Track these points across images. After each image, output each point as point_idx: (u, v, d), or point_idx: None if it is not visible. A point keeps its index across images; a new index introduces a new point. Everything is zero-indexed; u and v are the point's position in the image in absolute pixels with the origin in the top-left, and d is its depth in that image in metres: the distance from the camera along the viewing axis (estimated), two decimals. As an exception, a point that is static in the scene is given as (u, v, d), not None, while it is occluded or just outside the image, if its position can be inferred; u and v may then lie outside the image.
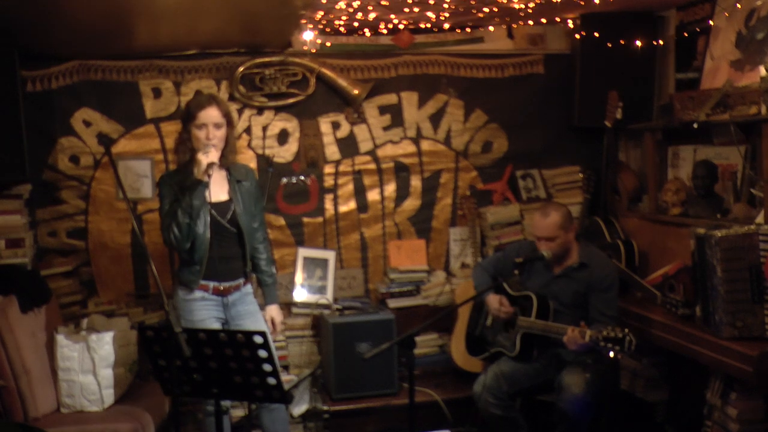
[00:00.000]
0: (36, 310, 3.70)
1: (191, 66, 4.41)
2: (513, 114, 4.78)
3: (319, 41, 4.41)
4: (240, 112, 4.48)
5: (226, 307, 3.45)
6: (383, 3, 3.77)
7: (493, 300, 3.79)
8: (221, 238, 3.38)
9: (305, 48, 4.42)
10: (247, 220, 3.45)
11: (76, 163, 4.34)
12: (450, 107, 4.72)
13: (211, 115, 3.30)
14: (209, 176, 3.25)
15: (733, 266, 3.09)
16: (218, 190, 3.38)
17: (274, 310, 3.65)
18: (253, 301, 3.56)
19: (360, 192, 4.69)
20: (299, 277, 4.56)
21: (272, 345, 3.47)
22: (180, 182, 3.33)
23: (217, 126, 3.31)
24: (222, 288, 3.41)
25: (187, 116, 3.34)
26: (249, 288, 3.55)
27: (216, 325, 3.38)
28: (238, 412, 4.20)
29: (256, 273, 3.60)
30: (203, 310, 3.37)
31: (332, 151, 4.63)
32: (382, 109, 4.66)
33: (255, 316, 3.52)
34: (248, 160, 4.48)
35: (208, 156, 3.24)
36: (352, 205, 4.69)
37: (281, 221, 4.59)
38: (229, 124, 3.39)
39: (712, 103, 3.57)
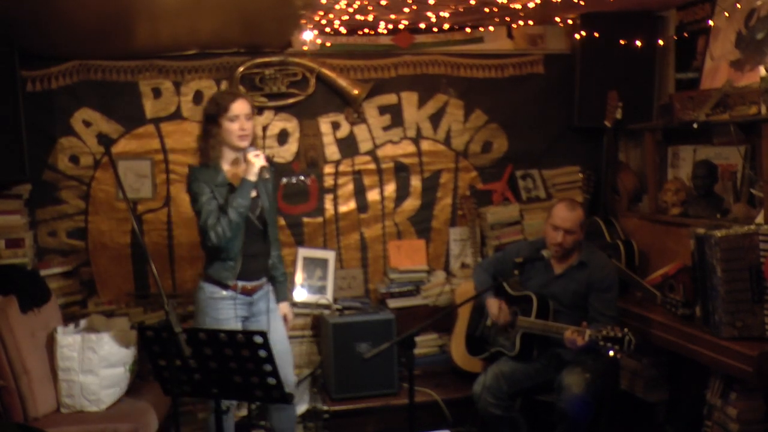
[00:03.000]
0: (36, 310, 3.70)
1: (191, 66, 4.41)
2: (513, 114, 4.77)
3: (319, 41, 4.41)
4: (240, 112, 4.48)
5: (249, 305, 3.46)
6: (383, 3, 3.77)
7: (493, 305, 3.79)
8: (249, 235, 3.39)
9: (305, 48, 4.42)
10: (271, 218, 3.49)
11: (76, 163, 4.34)
12: (450, 107, 4.72)
13: (243, 106, 3.33)
14: (264, 177, 3.33)
15: (733, 266, 3.09)
16: None
17: (286, 307, 3.68)
18: (273, 298, 3.58)
19: (360, 192, 4.69)
20: (299, 277, 4.56)
21: (287, 342, 3.56)
22: (211, 178, 3.32)
23: (248, 117, 3.35)
24: (249, 287, 3.42)
25: (217, 109, 3.31)
26: (270, 286, 3.57)
27: (238, 325, 3.38)
28: (239, 412, 4.20)
29: (270, 272, 3.60)
30: (229, 309, 3.37)
31: (332, 151, 4.63)
32: (382, 109, 4.66)
33: (274, 314, 3.55)
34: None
35: (260, 159, 3.29)
36: (352, 205, 4.69)
37: (281, 221, 4.58)
38: (254, 116, 3.44)
39: (711, 103, 3.57)
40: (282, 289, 3.64)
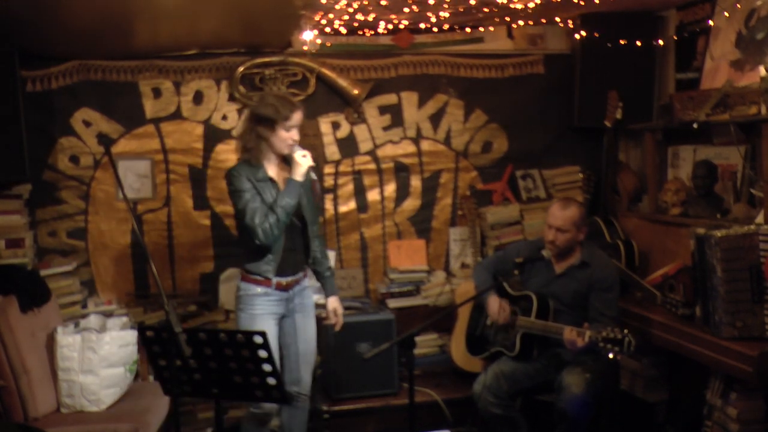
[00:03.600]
0: (36, 310, 3.70)
1: (191, 66, 4.40)
2: (513, 114, 4.78)
3: (319, 41, 4.41)
4: (240, 112, 4.48)
5: (286, 302, 3.48)
6: (383, 3, 3.78)
7: (493, 303, 3.79)
8: (288, 230, 3.41)
9: (305, 48, 4.42)
10: (309, 214, 3.50)
11: (76, 163, 4.34)
12: (450, 107, 4.72)
13: (300, 117, 3.37)
14: (312, 179, 3.39)
15: (733, 266, 3.09)
16: (284, 184, 3.40)
17: (336, 302, 3.67)
18: (311, 294, 3.60)
19: (360, 192, 4.69)
20: (299, 277, 4.55)
21: (314, 343, 3.60)
22: (252, 174, 3.33)
23: (299, 128, 3.39)
24: (284, 283, 3.43)
25: (277, 116, 3.30)
26: (307, 281, 3.58)
27: (272, 323, 3.40)
28: (239, 412, 4.21)
29: (314, 267, 3.61)
30: (264, 306, 3.39)
31: (332, 151, 4.63)
32: (382, 109, 4.66)
33: (308, 311, 3.57)
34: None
35: (308, 159, 3.32)
36: (352, 205, 4.69)
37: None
38: None
39: (712, 103, 3.57)
40: (329, 284, 3.65)
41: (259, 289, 3.39)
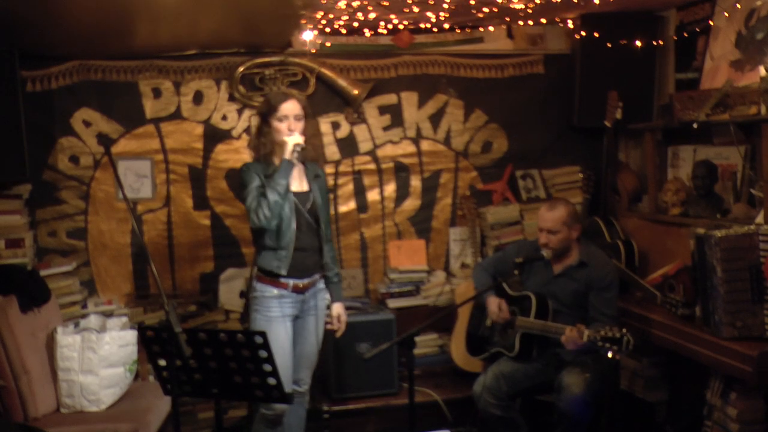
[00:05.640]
0: (36, 310, 3.70)
1: (191, 66, 4.40)
2: (513, 114, 4.77)
3: (319, 41, 4.41)
4: (240, 112, 4.49)
5: (301, 303, 3.48)
6: (383, 3, 3.78)
7: (493, 303, 3.79)
8: (302, 228, 3.43)
9: (305, 48, 4.42)
10: (323, 214, 3.53)
11: (76, 163, 4.34)
12: (450, 107, 4.72)
13: (292, 107, 3.41)
14: (297, 157, 3.37)
15: (733, 266, 3.09)
16: (299, 182, 3.48)
17: (340, 308, 3.69)
18: (324, 297, 3.61)
19: (360, 192, 4.69)
20: (299, 277, 4.55)
21: (319, 345, 3.62)
22: (263, 171, 3.39)
23: (297, 118, 3.42)
24: (301, 285, 3.44)
25: (268, 109, 3.42)
26: (322, 283, 3.60)
27: (287, 325, 3.41)
28: (239, 412, 4.21)
29: (323, 271, 3.61)
30: (280, 308, 3.41)
31: (332, 151, 4.63)
32: (382, 109, 4.66)
33: (321, 313, 3.59)
34: (248, 160, 4.47)
35: (294, 137, 3.36)
36: (351, 205, 4.69)
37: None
38: (307, 117, 3.49)
39: (712, 103, 3.57)
40: (336, 289, 3.67)
41: (276, 291, 3.39)
